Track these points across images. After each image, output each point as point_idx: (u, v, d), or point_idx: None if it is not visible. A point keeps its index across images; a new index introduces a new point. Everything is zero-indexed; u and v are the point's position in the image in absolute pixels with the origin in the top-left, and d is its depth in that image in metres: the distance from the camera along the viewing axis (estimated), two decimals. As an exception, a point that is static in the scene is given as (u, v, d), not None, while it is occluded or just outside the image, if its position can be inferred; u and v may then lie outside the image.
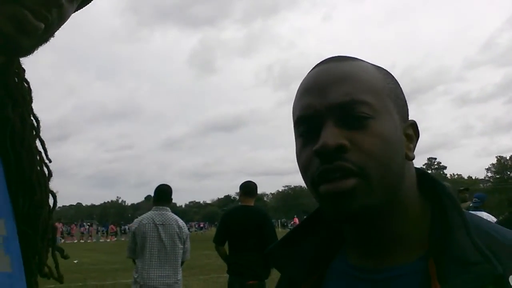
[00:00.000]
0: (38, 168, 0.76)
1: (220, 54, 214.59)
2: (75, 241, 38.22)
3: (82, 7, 0.75)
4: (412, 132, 0.81)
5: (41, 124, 0.78)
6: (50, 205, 0.78)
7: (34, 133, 0.77)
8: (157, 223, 4.96)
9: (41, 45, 0.64)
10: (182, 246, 5.03)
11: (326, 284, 0.84)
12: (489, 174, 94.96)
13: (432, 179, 0.82)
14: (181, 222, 5.14)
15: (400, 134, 0.77)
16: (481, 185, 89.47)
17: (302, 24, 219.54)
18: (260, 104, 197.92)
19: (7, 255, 0.63)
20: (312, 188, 0.75)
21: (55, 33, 0.65)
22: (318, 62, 0.84)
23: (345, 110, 0.73)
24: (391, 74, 0.83)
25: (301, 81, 0.84)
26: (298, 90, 0.83)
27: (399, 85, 0.83)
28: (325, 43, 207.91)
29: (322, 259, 0.87)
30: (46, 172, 0.78)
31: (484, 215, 6.78)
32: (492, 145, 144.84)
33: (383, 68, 0.83)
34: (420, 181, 0.81)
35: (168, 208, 5.18)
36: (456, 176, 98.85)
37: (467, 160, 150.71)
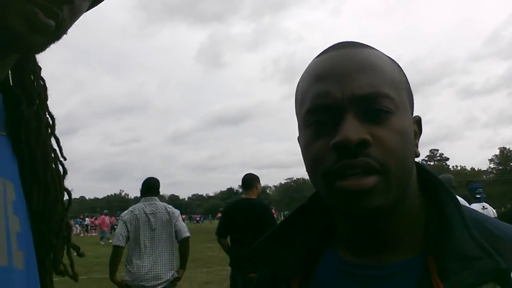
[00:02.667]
0: (53, 165, 0.76)
1: (228, 49, 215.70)
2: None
3: (95, 5, 0.75)
4: (417, 128, 0.79)
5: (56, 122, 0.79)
6: (65, 203, 0.78)
7: (49, 131, 0.77)
8: (148, 212, 5.01)
9: (53, 42, 0.63)
10: (172, 231, 5.04)
11: (318, 280, 0.81)
12: (492, 166, 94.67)
13: (428, 172, 0.80)
14: (169, 207, 5.16)
15: (413, 130, 0.75)
16: (484, 176, 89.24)
17: (310, 18, 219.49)
18: (266, 97, 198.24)
19: (20, 251, 0.63)
20: (324, 182, 0.71)
21: (67, 30, 0.65)
22: (329, 46, 0.79)
23: (368, 103, 0.69)
24: (401, 67, 0.80)
25: (308, 65, 0.78)
26: (307, 74, 0.77)
27: (407, 79, 0.80)
28: (332, 36, 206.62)
29: (311, 254, 0.84)
30: (61, 170, 0.78)
31: (489, 208, 6.68)
32: (496, 137, 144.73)
33: (395, 60, 0.80)
34: (418, 176, 0.79)
35: (156, 198, 5.21)
36: (459, 168, 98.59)
37: (471, 152, 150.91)
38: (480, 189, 7.17)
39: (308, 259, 0.83)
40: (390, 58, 0.79)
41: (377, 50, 0.78)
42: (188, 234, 5.14)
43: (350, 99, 0.69)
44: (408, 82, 0.79)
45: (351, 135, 0.66)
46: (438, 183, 0.77)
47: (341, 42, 0.78)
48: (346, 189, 0.68)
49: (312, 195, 0.88)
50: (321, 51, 0.79)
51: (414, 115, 0.80)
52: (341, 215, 0.78)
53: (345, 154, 0.67)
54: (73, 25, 0.66)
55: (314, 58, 0.79)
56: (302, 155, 0.77)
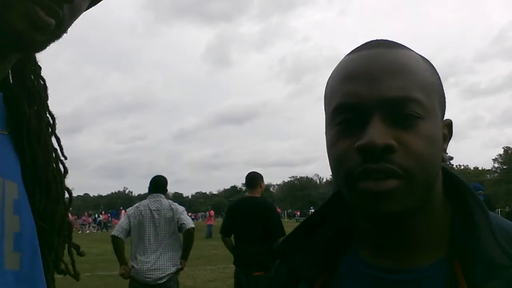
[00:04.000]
0: (54, 165, 0.77)
1: (235, 48, 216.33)
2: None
3: (94, 5, 0.75)
4: (447, 131, 0.78)
5: (56, 121, 0.79)
6: (66, 202, 0.78)
7: (50, 130, 0.78)
8: (153, 209, 5.07)
9: (53, 41, 0.64)
10: (177, 226, 5.10)
11: (340, 282, 0.80)
12: (496, 165, 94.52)
13: (456, 178, 0.79)
14: (174, 204, 5.21)
15: (441, 135, 0.74)
16: (488, 176, 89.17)
17: (318, 18, 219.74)
18: (272, 96, 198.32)
19: (17, 252, 0.63)
20: (346, 182, 0.71)
21: (67, 29, 0.65)
22: (362, 44, 0.77)
23: (396, 107, 0.68)
24: (434, 67, 0.78)
25: (339, 63, 0.78)
26: (337, 72, 0.76)
27: (441, 80, 0.78)
28: (339, 36, 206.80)
29: (333, 254, 0.83)
30: (62, 169, 0.78)
31: None
32: (501, 137, 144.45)
33: (428, 60, 0.78)
34: (443, 179, 0.78)
35: (162, 195, 5.26)
36: (462, 167, 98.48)
37: (475, 151, 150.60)
38: (481, 191, 6.95)
39: (330, 259, 0.83)
40: (423, 58, 0.77)
41: (410, 50, 0.76)
42: (192, 225, 5.17)
43: (379, 101, 0.68)
44: (440, 84, 0.77)
45: (377, 139, 0.66)
46: (466, 189, 0.76)
47: (373, 40, 0.77)
48: (368, 190, 0.67)
49: (333, 194, 0.87)
50: (353, 48, 0.78)
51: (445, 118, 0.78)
52: (363, 216, 0.77)
53: (369, 158, 0.67)
54: (79, 24, 0.67)
55: (345, 56, 0.78)
56: (327, 152, 0.76)
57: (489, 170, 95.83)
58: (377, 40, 0.77)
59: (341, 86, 0.73)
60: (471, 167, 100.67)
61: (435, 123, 0.71)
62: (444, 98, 0.78)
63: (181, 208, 5.22)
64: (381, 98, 0.68)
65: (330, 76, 0.78)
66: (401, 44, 0.76)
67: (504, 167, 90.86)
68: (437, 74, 0.77)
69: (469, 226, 0.71)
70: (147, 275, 4.90)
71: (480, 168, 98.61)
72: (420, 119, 0.68)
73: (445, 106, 0.78)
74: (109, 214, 45.59)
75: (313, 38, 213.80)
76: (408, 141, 0.67)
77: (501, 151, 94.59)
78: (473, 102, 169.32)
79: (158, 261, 4.93)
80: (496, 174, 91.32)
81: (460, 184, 0.77)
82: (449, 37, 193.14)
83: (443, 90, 0.77)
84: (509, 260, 0.65)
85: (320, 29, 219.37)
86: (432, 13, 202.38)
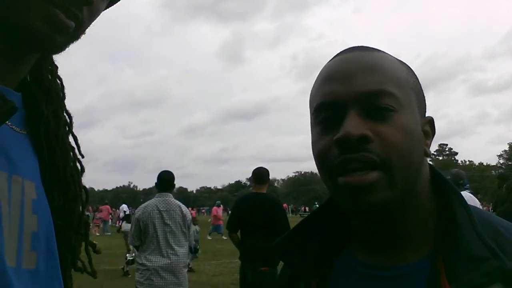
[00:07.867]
0: (72, 163, 0.78)
1: (249, 46, 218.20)
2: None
3: (112, 5, 0.76)
4: (429, 128, 0.80)
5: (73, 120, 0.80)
6: (83, 200, 0.79)
7: (67, 129, 0.79)
8: (161, 209, 5.06)
9: (72, 42, 0.65)
10: (186, 231, 5.17)
11: (333, 279, 0.83)
12: (501, 161, 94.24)
13: (440, 176, 0.81)
14: (184, 208, 5.23)
15: (420, 129, 0.76)
16: (493, 171, 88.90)
17: (331, 17, 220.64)
18: (283, 92, 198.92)
19: (33, 251, 0.64)
20: (329, 178, 0.74)
21: (86, 30, 0.67)
22: (340, 51, 0.82)
23: (371, 100, 0.71)
24: (411, 69, 0.82)
25: (321, 69, 0.81)
26: (318, 76, 0.80)
27: (419, 81, 0.82)
28: (353, 34, 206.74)
29: (329, 253, 0.85)
30: (79, 168, 0.80)
31: (467, 196, 6.73)
32: (507, 133, 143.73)
33: (405, 62, 0.82)
34: (431, 178, 0.80)
35: (170, 195, 5.27)
36: (467, 162, 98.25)
37: (481, 147, 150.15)
38: (467, 184, 7.39)
39: (326, 258, 0.85)
40: (399, 60, 0.81)
41: (385, 53, 0.80)
42: (193, 243, 5.36)
43: (353, 96, 0.71)
44: (417, 83, 0.80)
45: (352, 130, 0.69)
46: (447, 184, 0.79)
47: (350, 47, 0.82)
48: (349, 185, 0.69)
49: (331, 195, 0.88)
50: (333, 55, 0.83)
51: (426, 115, 0.81)
52: (348, 212, 0.78)
53: (346, 149, 0.69)
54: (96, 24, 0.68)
55: (326, 63, 0.82)
56: (312, 152, 0.78)
57: (493, 166, 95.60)
58: (354, 46, 0.81)
59: (320, 88, 0.77)
60: (476, 162, 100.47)
61: (411, 117, 0.73)
62: (423, 96, 0.81)
63: (189, 218, 5.27)
64: (355, 93, 0.71)
65: (314, 82, 0.82)
66: (377, 48, 0.80)
67: (509, 162, 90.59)
68: (414, 75, 0.81)
69: (451, 221, 0.73)
70: (159, 271, 4.92)
71: (485, 164, 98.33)
72: (395, 111, 0.71)
73: (425, 104, 0.81)
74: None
75: (326, 36, 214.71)
76: (383, 132, 0.70)
77: (507, 147, 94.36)
78: (481, 98, 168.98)
79: (170, 260, 4.96)
80: (501, 170, 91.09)
81: (442, 179, 0.80)
82: (459, 34, 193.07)
83: (421, 89, 0.81)
84: (489, 252, 0.66)
85: (333, 27, 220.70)
86: (443, 11, 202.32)
